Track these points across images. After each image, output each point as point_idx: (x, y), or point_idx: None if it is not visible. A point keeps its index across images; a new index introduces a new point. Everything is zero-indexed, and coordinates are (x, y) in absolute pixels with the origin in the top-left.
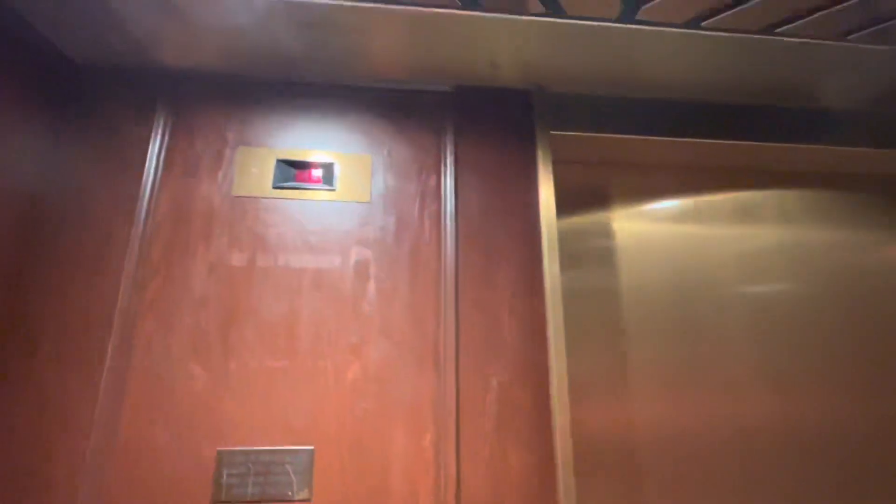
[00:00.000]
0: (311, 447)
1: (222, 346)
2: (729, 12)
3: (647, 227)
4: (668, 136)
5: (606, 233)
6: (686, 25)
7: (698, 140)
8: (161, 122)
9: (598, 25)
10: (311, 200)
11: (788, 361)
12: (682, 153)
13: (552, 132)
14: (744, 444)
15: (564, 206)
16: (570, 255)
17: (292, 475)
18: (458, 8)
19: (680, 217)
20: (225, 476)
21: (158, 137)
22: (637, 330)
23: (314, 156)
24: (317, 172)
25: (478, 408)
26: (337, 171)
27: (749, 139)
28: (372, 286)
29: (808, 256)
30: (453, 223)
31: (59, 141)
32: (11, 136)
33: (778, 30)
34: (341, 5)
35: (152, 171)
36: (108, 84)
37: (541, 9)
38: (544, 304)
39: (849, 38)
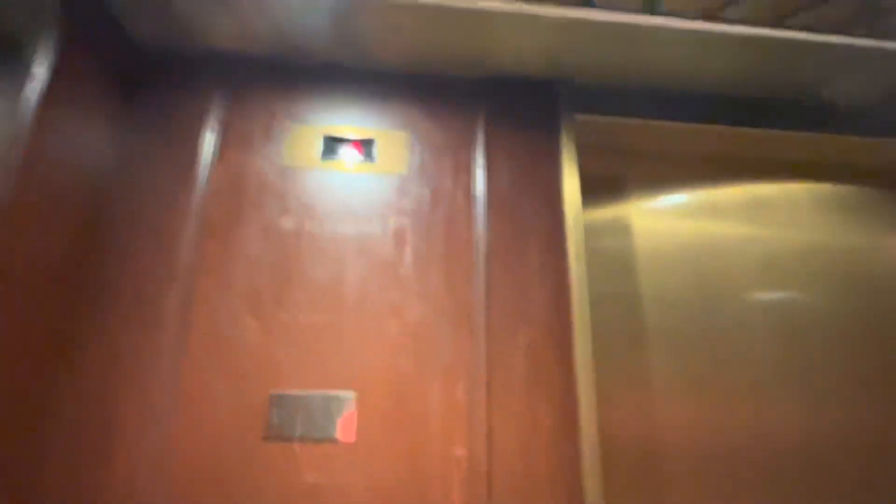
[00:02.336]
0: (354, 393)
1: (274, 302)
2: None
3: (667, 221)
4: (687, 123)
5: (625, 226)
6: (705, 16)
7: (722, 127)
8: (217, 100)
9: (624, 17)
10: (353, 173)
11: (812, 363)
12: (705, 141)
13: (577, 116)
14: (766, 446)
15: (587, 194)
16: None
17: (336, 417)
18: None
19: (698, 211)
20: (276, 417)
21: (214, 114)
22: (657, 334)
23: (356, 133)
24: (358, 147)
25: (507, 365)
26: (376, 146)
27: (774, 128)
28: (409, 252)
29: (833, 256)
30: (484, 196)
31: (126, 117)
32: (85, 112)
33: (789, 21)
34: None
35: (210, 144)
36: (170, 66)
37: (571, 1)
38: (569, 272)
39: (856, 31)
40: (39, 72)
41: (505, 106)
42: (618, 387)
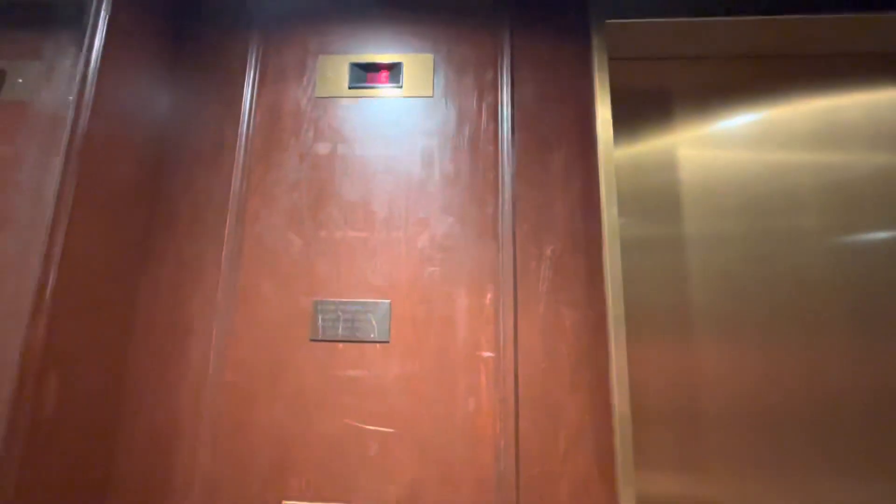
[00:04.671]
0: (389, 300)
1: (312, 219)
2: None
3: (713, 147)
4: (736, 16)
5: (670, 156)
6: None
7: (784, 17)
8: (255, 39)
9: None
10: (381, 98)
11: (884, 313)
12: (753, 36)
13: (608, 21)
14: (820, 401)
15: (624, 117)
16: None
17: (374, 322)
18: None
19: (750, 135)
20: (320, 320)
21: (253, 52)
22: (703, 278)
23: (383, 58)
24: (385, 73)
25: (533, 272)
26: (403, 70)
27: (833, 11)
28: (437, 171)
29: None
30: (509, 112)
31: (175, 61)
32: (140, 57)
33: None
34: None
35: (251, 80)
36: (210, 8)
37: None
38: (598, 182)
39: None
40: (98, 25)
41: (531, 17)
42: (655, 332)
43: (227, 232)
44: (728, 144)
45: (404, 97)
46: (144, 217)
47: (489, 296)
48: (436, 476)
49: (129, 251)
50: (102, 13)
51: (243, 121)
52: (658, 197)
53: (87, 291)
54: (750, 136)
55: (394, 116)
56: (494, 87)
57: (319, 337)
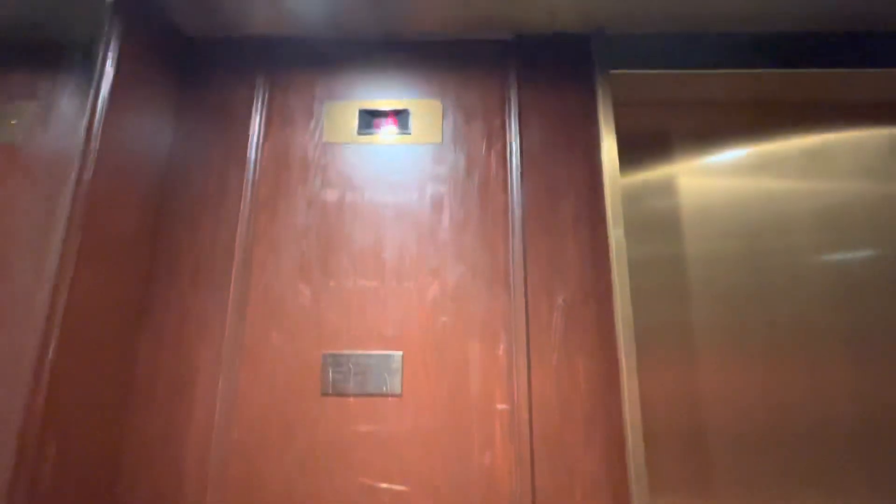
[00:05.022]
0: (401, 352)
1: (322, 268)
2: None
3: (712, 177)
4: (732, 69)
5: (668, 186)
6: None
7: (771, 70)
8: (261, 84)
9: None
10: (390, 144)
11: (872, 327)
12: (753, 87)
13: (612, 71)
14: (816, 414)
15: (624, 154)
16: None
17: (386, 375)
18: None
19: (748, 165)
20: (331, 374)
21: (259, 96)
22: (703, 296)
23: (391, 104)
24: (394, 119)
25: (545, 322)
26: (411, 116)
27: (819, 66)
28: (447, 217)
29: (892, 211)
30: (518, 159)
31: (180, 103)
32: (143, 100)
33: None
34: None
35: (256, 125)
36: (215, 53)
37: None
38: (607, 230)
39: None
40: (106, 69)
41: (537, 65)
42: (660, 349)
43: (232, 281)
44: (725, 175)
45: (413, 143)
46: (146, 267)
47: (502, 346)
48: None
49: (129, 303)
50: (109, 60)
51: (249, 166)
52: (658, 220)
53: (87, 351)
54: (747, 168)
55: (403, 163)
56: (503, 134)
57: (330, 391)
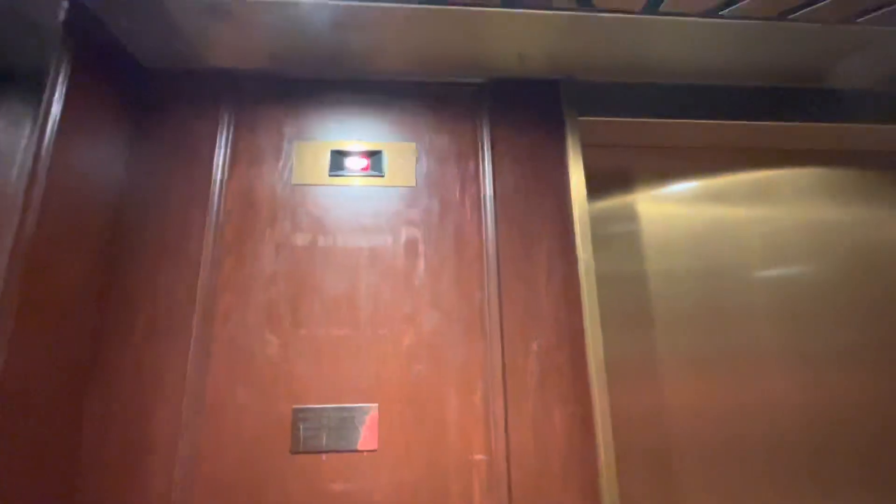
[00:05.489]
0: (376, 404)
1: (292, 316)
2: (745, 1)
3: (671, 208)
4: (690, 119)
5: (632, 215)
6: (706, 14)
7: (718, 122)
8: (225, 120)
9: (624, 17)
10: (362, 186)
11: (817, 341)
12: (703, 134)
13: (580, 118)
14: (772, 426)
15: (593, 188)
16: (598, 237)
17: (360, 428)
18: (497, 6)
19: (702, 198)
20: (302, 430)
21: (223, 133)
22: (664, 318)
23: (363, 146)
24: (366, 160)
25: (521, 369)
26: (384, 158)
27: (767, 119)
28: (421, 262)
29: (828, 235)
30: (492, 204)
31: (136, 139)
32: (99, 138)
33: (791, 16)
34: (380, 6)
35: (220, 163)
36: (176, 86)
37: (570, 3)
38: (578, 275)
39: (859, 20)
40: (54, 101)
41: (508, 109)
42: (626, 371)
43: (193, 333)
44: (683, 203)
45: (387, 185)
46: (96, 319)
47: (479, 394)
48: None
49: (76, 361)
50: (57, 92)
51: (212, 208)
52: (622, 243)
53: (28, 416)
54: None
55: (377, 206)
56: (476, 179)
57: (301, 448)
